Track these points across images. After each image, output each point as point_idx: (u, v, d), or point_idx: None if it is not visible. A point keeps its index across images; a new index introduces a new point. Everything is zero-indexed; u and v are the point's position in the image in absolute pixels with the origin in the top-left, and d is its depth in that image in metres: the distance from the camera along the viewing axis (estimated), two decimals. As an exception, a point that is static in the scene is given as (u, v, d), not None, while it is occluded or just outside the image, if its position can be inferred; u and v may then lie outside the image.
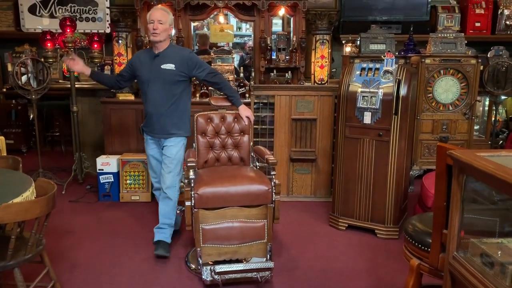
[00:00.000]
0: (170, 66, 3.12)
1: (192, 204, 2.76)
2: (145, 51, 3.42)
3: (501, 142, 5.30)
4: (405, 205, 3.71)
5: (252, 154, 3.26)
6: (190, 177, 2.80)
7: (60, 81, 5.88)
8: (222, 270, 2.71)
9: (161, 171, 3.27)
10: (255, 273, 2.75)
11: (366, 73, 3.45)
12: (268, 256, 2.83)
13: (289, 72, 4.73)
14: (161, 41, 3.12)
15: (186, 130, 3.27)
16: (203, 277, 2.74)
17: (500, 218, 1.70)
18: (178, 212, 3.38)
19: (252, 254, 2.84)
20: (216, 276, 2.71)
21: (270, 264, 2.76)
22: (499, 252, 1.57)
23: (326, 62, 4.57)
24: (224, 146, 3.27)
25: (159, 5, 3.27)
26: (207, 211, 2.77)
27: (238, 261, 2.85)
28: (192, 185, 2.77)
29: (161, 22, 3.07)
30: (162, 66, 3.12)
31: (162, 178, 3.23)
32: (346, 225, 3.64)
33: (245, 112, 3.24)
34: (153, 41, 3.11)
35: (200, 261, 2.77)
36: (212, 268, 2.71)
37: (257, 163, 3.24)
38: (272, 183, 2.81)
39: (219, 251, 2.79)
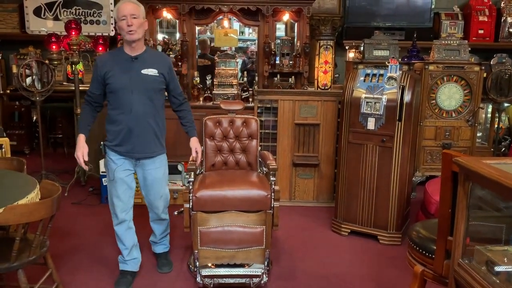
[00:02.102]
0: (152, 72, 2.68)
1: (190, 207, 2.77)
2: (113, 54, 2.85)
3: (503, 149, 5.30)
4: (408, 211, 3.71)
5: (259, 159, 3.27)
6: (189, 179, 2.82)
7: (64, 83, 5.90)
8: (207, 273, 2.73)
9: (147, 198, 2.91)
10: (248, 279, 2.76)
11: (370, 79, 3.46)
12: (266, 262, 2.82)
13: (293, 77, 4.76)
14: (139, 40, 2.65)
15: (165, 146, 2.90)
16: (197, 279, 2.76)
17: (506, 225, 1.70)
18: (176, 214, 3.35)
19: (250, 260, 2.83)
20: (207, 280, 2.72)
21: (258, 271, 2.75)
22: (505, 259, 1.57)
23: (329, 67, 4.58)
24: (232, 150, 3.28)
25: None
26: (205, 214, 2.78)
27: (236, 265, 2.83)
28: (191, 187, 2.78)
29: (134, 16, 2.58)
30: (142, 71, 2.66)
31: (151, 205, 2.93)
32: (349, 231, 3.63)
33: (195, 144, 2.89)
34: (130, 40, 2.61)
35: (197, 264, 2.79)
36: (199, 270, 2.73)
37: (264, 168, 3.24)
38: (272, 189, 2.80)
39: (217, 254, 2.80)
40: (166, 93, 2.89)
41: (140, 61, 2.67)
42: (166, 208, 3.01)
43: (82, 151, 2.67)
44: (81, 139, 2.71)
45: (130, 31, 2.58)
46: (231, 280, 2.76)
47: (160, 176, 2.86)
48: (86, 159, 2.68)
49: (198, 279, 2.75)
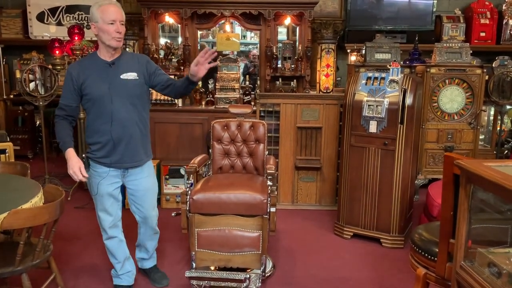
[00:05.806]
0: (131, 75, 2.53)
1: (187, 208, 2.79)
2: (86, 61, 2.62)
3: (506, 152, 5.29)
4: (411, 214, 3.71)
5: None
6: (188, 182, 2.84)
7: (67, 88, 5.93)
8: (191, 275, 2.73)
9: (141, 211, 2.76)
10: (236, 283, 2.75)
11: (372, 82, 3.47)
12: (262, 268, 2.82)
13: (295, 80, 4.77)
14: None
15: (151, 153, 2.78)
16: (191, 281, 2.78)
17: (507, 228, 1.70)
18: (173, 215, 3.32)
19: (246, 264, 2.83)
20: (193, 281, 2.73)
21: (240, 276, 2.73)
22: (507, 262, 1.58)
23: (331, 71, 4.60)
24: (239, 154, 3.29)
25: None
26: (203, 216, 2.79)
27: (232, 269, 2.83)
28: (188, 190, 2.81)
29: (123, 23, 2.49)
30: (121, 76, 2.51)
31: (146, 218, 2.78)
32: (351, 234, 3.63)
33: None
34: (116, 46, 2.49)
35: (194, 265, 2.81)
36: (186, 272, 2.74)
37: None
38: (268, 192, 2.80)
39: (213, 257, 2.81)
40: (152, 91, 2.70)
41: (117, 66, 2.53)
42: (157, 219, 2.90)
43: (79, 166, 2.45)
44: (71, 152, 2.48)
45: (119, 38, 2.47)
46: (222, 284, 2.75)
47: (151, 185, 2.76)
48: (86, 174, 2.48)
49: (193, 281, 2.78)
